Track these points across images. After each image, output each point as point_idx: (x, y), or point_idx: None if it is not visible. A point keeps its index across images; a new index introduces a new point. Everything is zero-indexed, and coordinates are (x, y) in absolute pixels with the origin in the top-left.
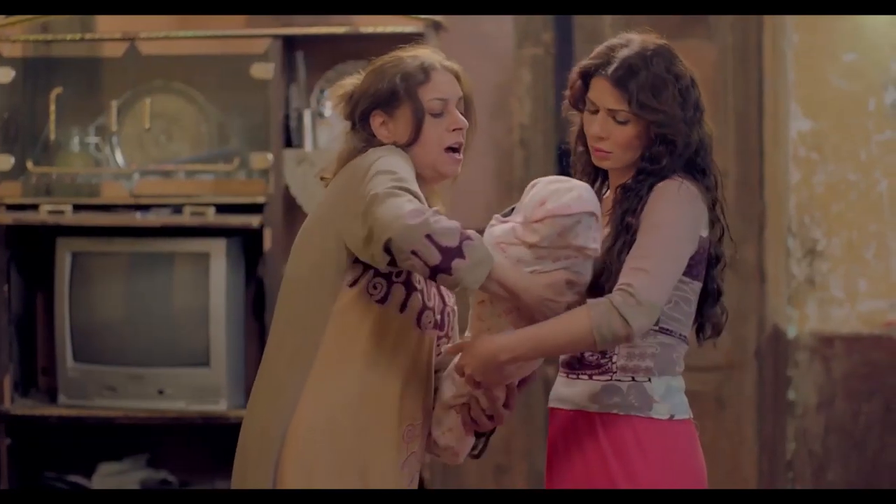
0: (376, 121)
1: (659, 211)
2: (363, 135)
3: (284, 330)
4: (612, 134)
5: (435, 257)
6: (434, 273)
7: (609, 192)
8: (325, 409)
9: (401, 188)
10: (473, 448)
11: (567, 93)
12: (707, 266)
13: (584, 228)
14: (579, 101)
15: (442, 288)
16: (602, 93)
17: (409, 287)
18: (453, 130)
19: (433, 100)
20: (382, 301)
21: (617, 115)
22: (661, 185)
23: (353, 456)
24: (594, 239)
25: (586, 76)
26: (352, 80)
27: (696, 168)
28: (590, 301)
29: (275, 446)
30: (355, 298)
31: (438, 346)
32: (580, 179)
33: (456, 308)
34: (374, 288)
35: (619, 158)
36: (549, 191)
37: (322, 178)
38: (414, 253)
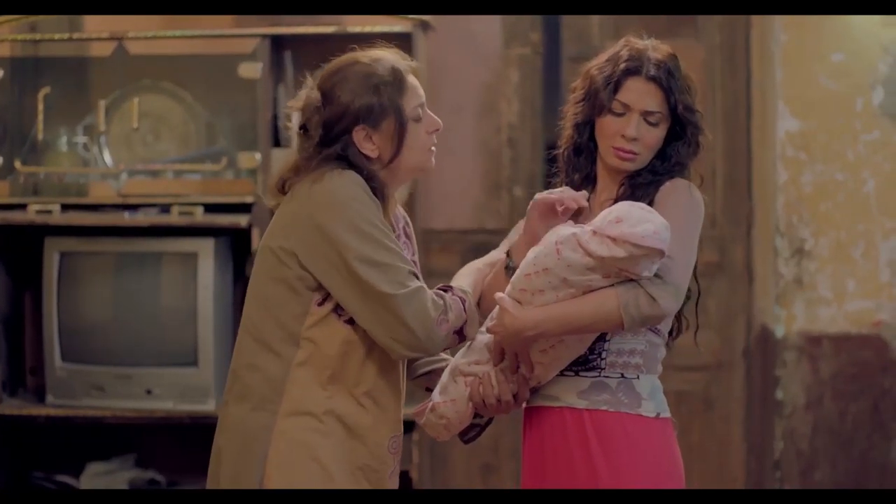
0: (360, 135)
1: (676, 206)
2: (331, 151)
3: (255, 346)
4: (642, 136)
5: (456, 340)
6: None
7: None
8: (308, 424)
9: (408, 275)
10: (466, 433)
11: (578, 93)
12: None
13: (647, 262)
14: (605, 104)
15: None
16: (641, 94)
17: None
18: (432, 131)
19: (415, 107)
20: (351, 322)
21: (651, 116)
22: (669, 183)
23: (341, 472)
24: (650, 272)
25: (619, 78)
26: (312, 93)
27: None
28: (617, 282)
29: (258, 456)
30: (324, 317)
31: None
32: (575, 181)
33: None
34: (343, 308)
35: (644, 160)
36: (627, 213)
37: (281, 190)
38: (447, 348)
